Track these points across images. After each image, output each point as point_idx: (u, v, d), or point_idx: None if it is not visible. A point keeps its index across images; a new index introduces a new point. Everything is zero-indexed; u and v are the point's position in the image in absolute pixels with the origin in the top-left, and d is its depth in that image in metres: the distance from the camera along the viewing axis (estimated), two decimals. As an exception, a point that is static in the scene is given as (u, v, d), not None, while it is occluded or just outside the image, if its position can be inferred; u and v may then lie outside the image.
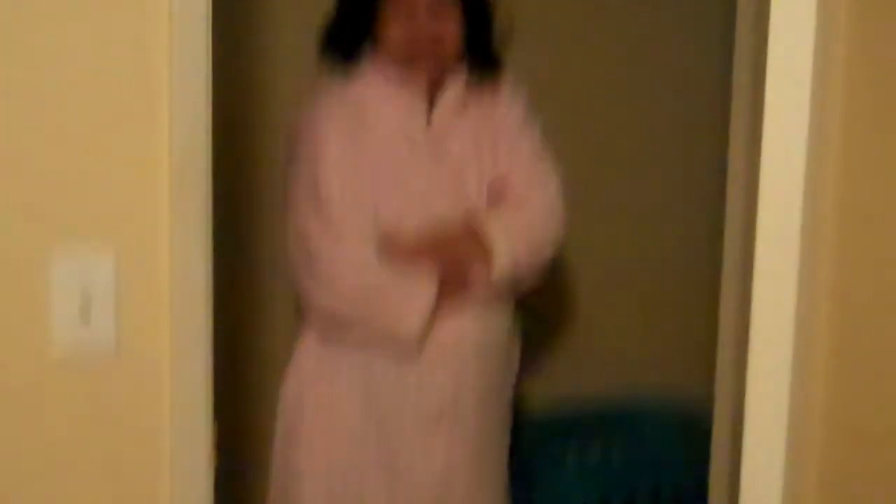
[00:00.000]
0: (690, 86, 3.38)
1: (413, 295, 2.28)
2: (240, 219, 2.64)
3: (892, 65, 1.36)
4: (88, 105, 1.46)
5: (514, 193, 2.39)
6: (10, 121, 1.43)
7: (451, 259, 2.32)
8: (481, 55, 2.41)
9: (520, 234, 2.33)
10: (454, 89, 2.38)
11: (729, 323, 2.17)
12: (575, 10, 3.34)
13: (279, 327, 2.67)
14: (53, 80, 1.44)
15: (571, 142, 2.98)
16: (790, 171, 1.37)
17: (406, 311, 2.27)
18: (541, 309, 3.38)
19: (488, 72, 2.42)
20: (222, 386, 1.64)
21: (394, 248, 2.30)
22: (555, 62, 3.25)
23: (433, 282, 2.29)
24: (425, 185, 2.35)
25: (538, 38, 2.99)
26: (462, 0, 2.35)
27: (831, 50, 1.39)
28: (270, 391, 2.47)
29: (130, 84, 1.48)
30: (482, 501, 2.46)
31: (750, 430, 1.41)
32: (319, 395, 2.38)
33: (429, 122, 2.37)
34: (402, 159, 2.34)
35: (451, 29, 2.34)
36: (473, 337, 2.37)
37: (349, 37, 2.37)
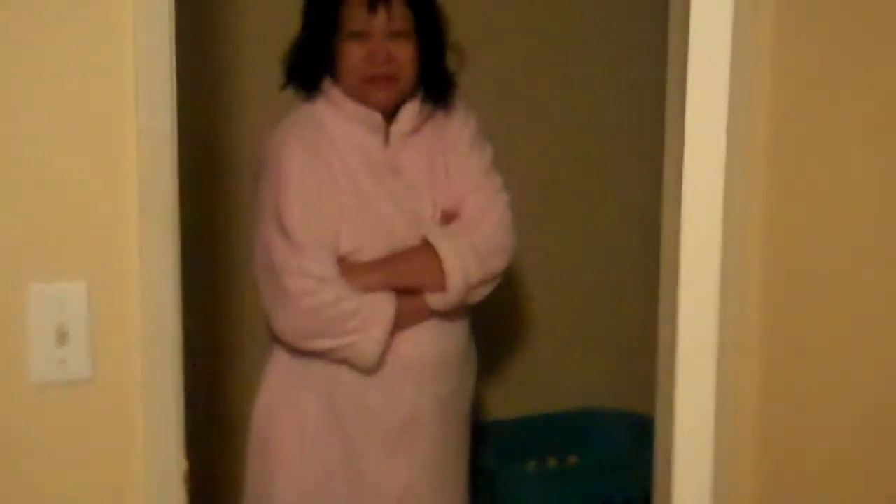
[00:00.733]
0: (639, 117, 3.42)
1: (374, 310, 2.28)
2: (212, 240, 2.64)
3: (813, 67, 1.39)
4: (58, 146, 1.46)
5: (466, 213, 2.40)
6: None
7: (408, 276, 2.33)
8: (435, 80, 2.42)
9: (471, 251, 2.34)
10: (410, 110, 2.38)
11: (666, 342, 2.17)
12: (523, 36, 3.36)
13: (253, 347, 2.67)
14: (24, 123, 1.44)
15: (521, 165, 3.01)
16: (710, 193, 1.40)
17: (367, 326, 2.27)
18: (497, 327, 3.42)
19: (441, 95, 2.43)
20: (194, 406, 1.65)
21: (354, 268, 2.30)
22: (505, 87, 3.27)
23: (392, 298, 2.30)
24: (384, 203, 2.35)
25: (490, 63, 3.00)
26: (416, 28, 2.35)
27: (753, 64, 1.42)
28: (244, 410, 2.46)
29: (98, 126, 1.48)
30: None
31: (679, 436, 1.44)
32: (289, 409, 2.38)
33: (386, 141, 2.38)
34: (361, 177, 2.34)
35: (405, 52, 2.34)
36: (432, 352, 2.37)
37: (311, 64, 2.38)
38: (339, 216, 2.30)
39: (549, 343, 3.54)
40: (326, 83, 2.37)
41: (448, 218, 2.40)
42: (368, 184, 2.34)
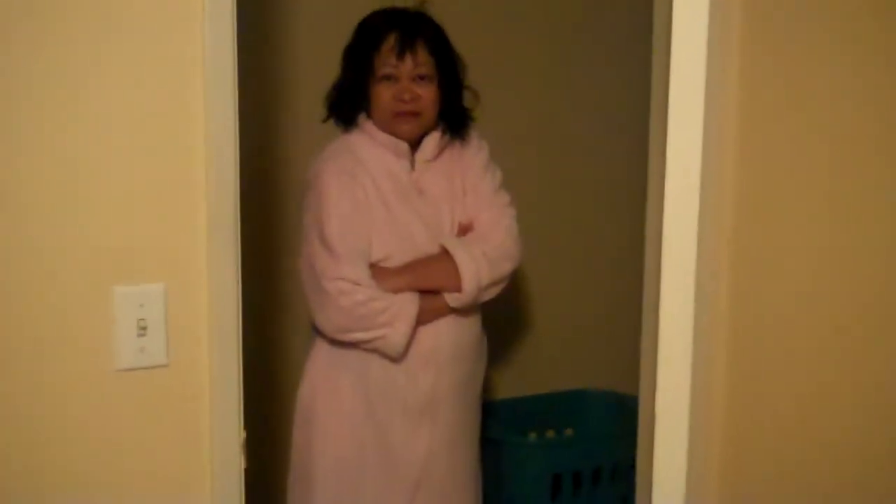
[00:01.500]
0: (626, 140, 3.43)
1: (400, 308, 2.29)
2: (266, 250, 2.66)
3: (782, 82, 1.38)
4: (141, 173, 1.49)
5: (479, 225, 2.42)
6: (80, 185, 1.45)
7: (429, 279, 2.35)
8: (453, 115, 2.44)
9: (483, 258, 2.35)
10: (432, 140, 2.40)
11: (649, 328, 2.19)
12: (528, 75, 3.39)
13: (298, 339, 2.69)
14: (115, 155, 1.47)
15: (528, 182, 3.03)
16: (688, 196, 1.40)
17: (395, 322, 2.29)
18: (505, 321, 3.43)
19: (459, 128, 2.45)
20: (250, 387, 1.66)
21: (383, 272, 2.32)
22: (516, 121, 3.30)
23: (416, 298, 2.32)
24: (409, 218, 2.37)
25: (502, 101, 3.03)
26: (438, 72, 2.38)
27: (725, 78, 1.41)
28: (290, 392, 2.48)
29: (175, 155, 1.51)
30: (458, 476, 2.48)
31: (660, 413, 1.44)
32: (328, 390, 2.39)
33: (412, 167, 2.40)
34: (391, 197, 2.36)
35: (428, 93, 2.36)
36: (449, 342, 2.39)
37: (349, 102, 2.40)
38: (370, 229, 2.32)
39: (548, 334, 3.54)
40: (361, 118, 2.39)
41: (464, 230, 2.42)
42: (396, 202, 2.36)
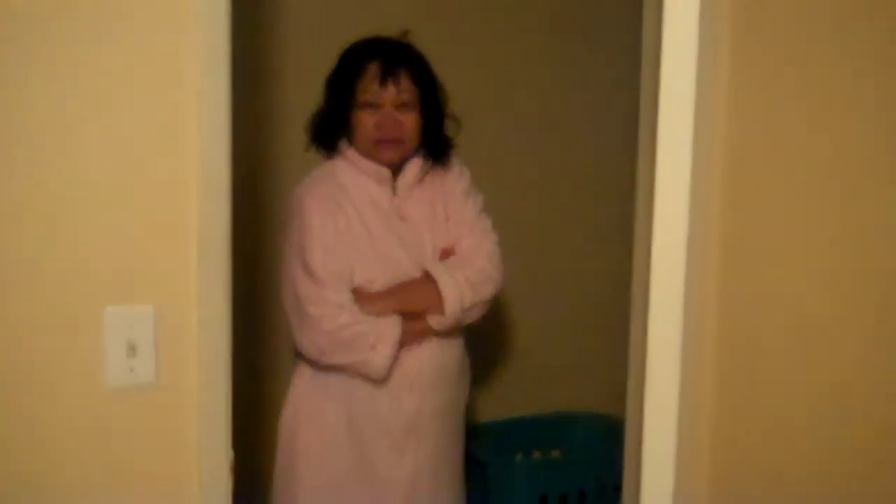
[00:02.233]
0: (613, 162, 3.47)
1: (383, 331, 2.29)
2: (255, 275, 2.67)
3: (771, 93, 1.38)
4: (133, 200, 1.50)
5: (461, 250, 2.43)
6: (73, 207, 1.47)
7: (412, 302, 2.35)
8: (435, 142, 2.45)
9: (465, 281, 2.36)
10: (413, 167, 2.41)
11: (637, 349, 2.20)
12: (517, 108, 3.43)
13: (286, 361, 2.71)
14: (106, 180, 1.49)
15: (510, 207, 3.05)
16: (677, 217, 1.41)
17: (378, 345, 2.29)
18: (490, 344, 3.46)
19: (440, 155, 2.47)
20: (236, 409, 1.67)
21: (366, 296, 2.32)
22: (497, 149, 3.33)
23: (398, 321, 2.32)
24: (392, 243, 2.37)
25: (482, 130, 3.05)
26: (420, 100, 2.39)
27: (714, 87, 1.42)
28: (275, 416, 2.48)
29: (167, 173, 1.52)
30: (444, 499, 2.48)
31: (648, 435, 1.45)
32: (311, 415, 2.40)
33: (394, 193, 2.41)
34: (373, 222, 2.36)
35: (410, 121, 2.37)
36: (432, 366, 2.39)
37: (331, 129, 2.41)
38: (353, 255, 2.33)
39: (535, 357, 3.56)
40: (343, 145, 2.41)
41: (446, 255, 2.43)
42: (379, 227, 2.37)
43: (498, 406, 3.43)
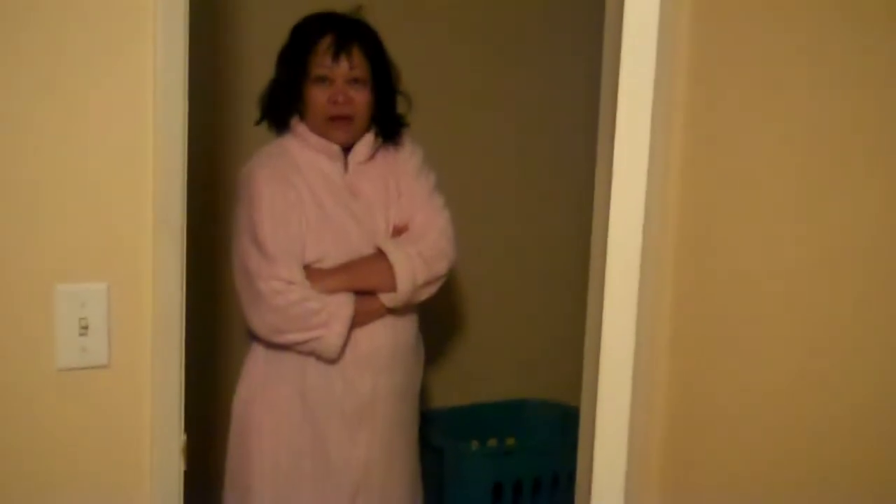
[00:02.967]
0: (570, 139, 3.47)
1: (335, 309, 2.29)
2: (209, 251, 2.65)
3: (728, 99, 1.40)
4: (85, 173, 1.47)
5: (414, 226, 2.43)
6: (23, 182, 1.44)
7: (364, 279, 2.35)
8: (386, 120, 2.46)
9: (417, 257, 2.36)
10: (364, 143, 2.42)
11: (592, 337, 2.21)
12: (467, 80, 3.43)
13: (239, 343, 2.69)
14: (58, 151, 1.45)
15: (463, 188, 3.05)
16: (633, 203, 1.41)
17: (330, 322, 2.28)
18: (443, 328, 3.46)
19: (392, 133, 2.48)
20: (194, 390, 1.66)
21: (318, 273, 2.31)
22: (450, 127, 3.33)
23: (351, 298, 2.32)
24: (343, 219, 2.37)
25: (434, 108, 3.04)
26: (372, 77, 2.40)
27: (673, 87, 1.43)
28: (227, 396, 2.47)
29: (122, 156, 1.49)
30: (397, 482, 2.48)
31: (600, 424, 1.46)
32: (264, 398, 2.39)
33: (345, 169, 2.41)
34: (324, 198, 2.36)
35: (362, 96, 2.39)
36: (386, 345, 2.39)
37: (281, 103, 2.42)
38: (304, 230, 2.32)
39: (489, 343, 3.57)
40: (294, 121, 2.41)
41: (399, 232, 2.43)
42: (330, 203, 2.37)
43: (452, 392, 3.44)
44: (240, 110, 2.79)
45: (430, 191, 2.48)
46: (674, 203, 1.46)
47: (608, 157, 1.49)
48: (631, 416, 1.44)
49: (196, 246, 1.72)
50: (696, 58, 1.43)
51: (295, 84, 2.39)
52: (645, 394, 1.47)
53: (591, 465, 1.51)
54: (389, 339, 2.41)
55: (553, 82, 3.53)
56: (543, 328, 3.60)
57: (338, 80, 2.37)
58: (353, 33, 2.39)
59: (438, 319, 2.62)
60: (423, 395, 2.62)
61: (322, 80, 2.37)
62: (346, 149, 2.42)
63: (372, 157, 2.45)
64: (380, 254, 2.37)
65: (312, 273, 2.31)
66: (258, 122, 2.47)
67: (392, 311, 2.39)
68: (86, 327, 1.50)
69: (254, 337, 2.39)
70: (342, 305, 2.30)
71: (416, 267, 2.35)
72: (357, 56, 2.38)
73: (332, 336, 2.29)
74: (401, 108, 2.51)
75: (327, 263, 2.34)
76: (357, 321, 2.33)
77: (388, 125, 2.47)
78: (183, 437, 1.61)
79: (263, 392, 2.39)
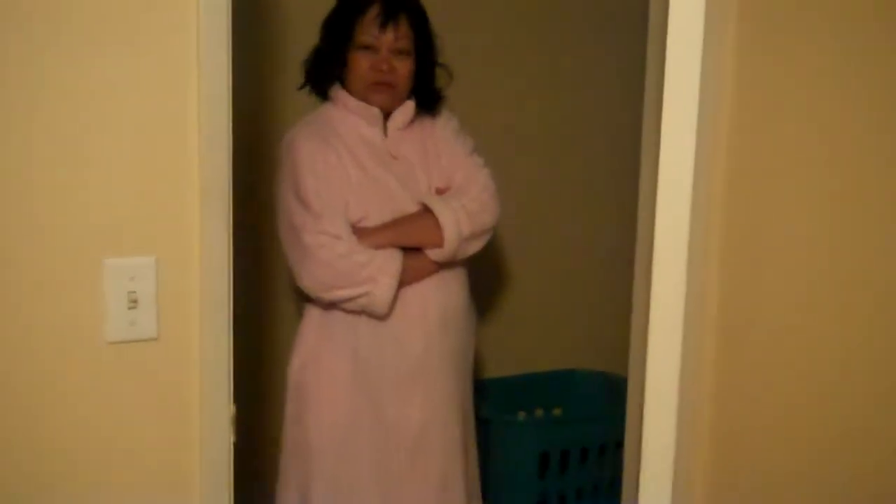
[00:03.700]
0: (616, 126, 3.45)
1: (383, 263, 2.30)
2: (257, 225, 2.67)
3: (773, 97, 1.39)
4: (136, 150, 1.49)
5: (455, 183, 2.45)
6: (70, 157, 1.45)
7: (410, 234, 2.36)
8: (426, 91, 2.49)
9: (461, 210, 2.38)
10: (404, 111, 2.45)
11: (640, 309, 2.21)
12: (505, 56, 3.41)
13: (287, 314, 2.70)
14: (109, 123, 1.47)
15: (506, 164, 3.02)
16: (681, 191, 1.41)
17: (378, 276, 2.29)
18: (494, 299, 3.46)
19: (431, 103, 2.50)
20: (242, 362, 1.67)
21: (363, 231, 2.33)
22: (491, 104, 3.31)
23: (398, 253, 2.33)
24: (386, 179, 2.39)
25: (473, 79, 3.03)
26: (415, 48, 2.42)
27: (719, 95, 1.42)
28: (280, 367, 2.48)
29: (169, 126, 1.50)
30: (454, 444, 2.48)
31: (650, 394, 1.45)
32: (318, 361, 2.39)
33: (384, 134, 2.43)
34: (365, 161, 2.38)
35: (405, 66, 2.41)
36: (436, 307, 2.40)
37: (326, 68, 2.45)
38: (347, 189, 2.34)
39: (537, 313, 3.56)
40: (335, 88, 2.44)
41: (441, 192, 2.45)
42: (372, 165, 2.39)
43: (499, 362, 3.44)
44: (284, 80, 2.80)
45: (469, 151, 2.50)
46: (721, 172, 1.45)
47: (654, 147, 1.48)
48: (680, 385, 1.43)
49: (242, 213, 1.73)
50: (743, 33, 1.42)
51: (340, 50, 2.41)
52: (694, 361, 1.47)
53: (639, 435, 1.51)
54: (440, 301, 2.41)
55: (602, 67, 3.50)
56: (589, 298, 3.59)
57: (383, 48, 2.39)
58: (400, 4, 2.41)
59: (482, 289, 2.61)
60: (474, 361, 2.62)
61: (367, 48, 2.39)
62: (386, 116, 2.44)
63: (410, 124, 2.47)
64: (424, 210, 2.38)
65: (358, 231, 2.32)
66: (301, 87, 2.49)
67: (441, 268, 2.40)
68: (135, 301, 1.52)
69: (306, 299, 2.40)
70: (390, 259, 2.31)
71: (461, 219, 2.37)
72: (403, 27, 2.40)
73: (381, 290, 2.30)
74: (440, 80, 2.52)
75: (371, 222, 2.35)
76: (406, 278, 2.34)
77: (427, 96, 2.49)
78: (232, 408, 1.63)
79: (318, 357, 2.41)
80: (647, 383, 1.45)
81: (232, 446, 1.63)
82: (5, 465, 1.49)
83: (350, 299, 2.32)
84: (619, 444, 2.39)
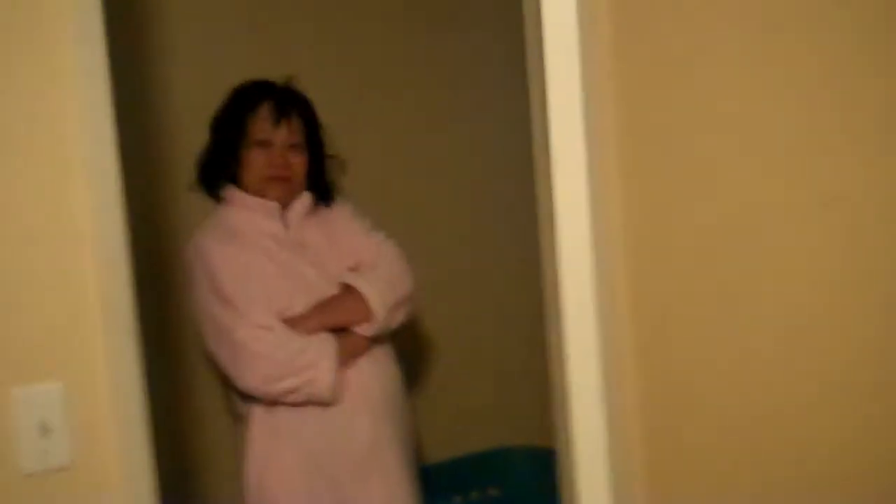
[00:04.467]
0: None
1: (319, 347, 2.31)
2: (166, 340, 2.62)
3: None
4: (30, 279, 1.46)
5: (365, 259, 2.50)
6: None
7: (339, 314, 2.39)
8: (320, 183, 2.56)
9: (381, 281, 2.42)
10: (302, 201, 2.50)
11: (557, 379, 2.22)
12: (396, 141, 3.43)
13: (216, 429, 2.64)
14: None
15: (429, 242, 3.07)
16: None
17: (318, 361, 2.30)
18: (414, 386, 3.43)
19: (326, 195, 2.57)
20: (167, 475, 1.63)
21: (291, 320, 2.33)
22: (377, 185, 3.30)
23: (331, 336, 2.34)
24: (300, 266, 2.41)
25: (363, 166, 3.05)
26: (307, 144, 2.50)
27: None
28: (208, 472, 2.43)
29: (59, 237, 1.47)
30: None
31: (580, 465, 1.47)
32: (274, 462, 2.36)
33: (286, 226, 2.47)
34: (277, 254, 2.40)
35: (299, 161, 2.48)
36: (377, 382, 2.43)
37: (218, 166, 2.49)
38: (266, 283, 2.34)
39: (456, 396, 3.54)
40: (228, 189, 2.46)
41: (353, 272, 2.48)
42: (284, 256, 2.41)
43: (430, 449, 3.39)
44: (175, 177, 2.79)
45: (369, 229, 2.56)
46: (619, 220, 1.49)
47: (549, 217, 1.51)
48: (609, 452, 1.44)
49: (151, 321, 1.70)
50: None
51: (233, 148, 2.46)
52: (620, 428, 1.48)
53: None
54: (379, 375, 2.44)
55: (499, 135, 3.55)
56: (514, 374, 3.57)
57: (277, 144, 2.45)
58: (291, 100, 2.49)
59: (412, 376, 2.60)
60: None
61: (262, 143, 2.44)
62: (283, 208, 2.48)
63: (308, 214, 2.51)
64: (346, 288, 2.41)
65: (287, 320, 2.33)
66: (191, 188, 2.53)
67: (372, 345, 2.43)
68: (46, 429, 1.48)
69: (248, 400, 2.37)
70: (325, 342, 2.32)
71: (383, 290, 2.41)
72: (295, 122, 2.48)
73: (323, 374, 2.30)
74: (333, 171, 2.62)
75: (296, 311, 2.36)
76: (343, 358, 2.35)
77: (323, 189, 2.56)
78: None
79: (271, 457, 2.38)
80: (576, 456, 1.46)
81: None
82: None
83: (294, 390, 2.30)
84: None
